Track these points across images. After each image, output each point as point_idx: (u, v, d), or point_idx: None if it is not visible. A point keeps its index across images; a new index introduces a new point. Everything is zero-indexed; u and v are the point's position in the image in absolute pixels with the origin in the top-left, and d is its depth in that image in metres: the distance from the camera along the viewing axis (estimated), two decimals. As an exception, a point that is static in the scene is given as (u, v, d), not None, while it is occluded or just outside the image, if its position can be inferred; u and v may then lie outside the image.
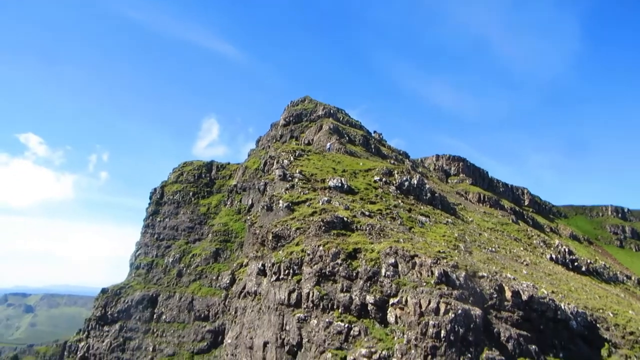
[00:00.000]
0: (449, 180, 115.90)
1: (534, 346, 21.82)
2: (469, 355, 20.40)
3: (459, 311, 21.85)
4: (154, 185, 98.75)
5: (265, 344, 27.26)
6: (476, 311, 22.47)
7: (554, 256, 57.77)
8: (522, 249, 54.51)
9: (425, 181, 58.94)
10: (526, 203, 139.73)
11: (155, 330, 72.78)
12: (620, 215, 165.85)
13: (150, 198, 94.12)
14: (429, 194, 52.47)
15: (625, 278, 74.55)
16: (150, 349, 70.43)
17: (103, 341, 74.73)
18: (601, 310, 29.55)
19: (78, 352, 75.95)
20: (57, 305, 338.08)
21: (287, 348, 25.48)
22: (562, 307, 25.22)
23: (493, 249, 43.13)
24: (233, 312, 37.03)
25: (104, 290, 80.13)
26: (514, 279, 26.72)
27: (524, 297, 24.30)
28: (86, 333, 77.63)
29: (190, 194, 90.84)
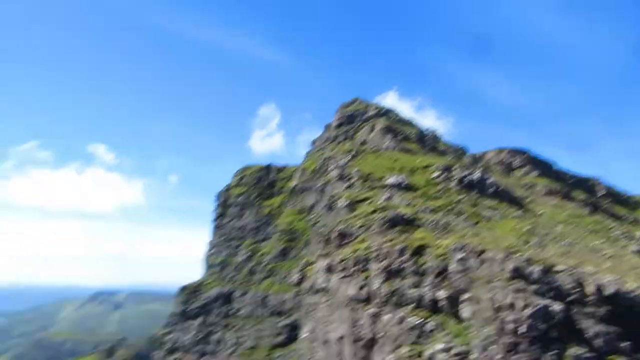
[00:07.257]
0: (513, 174, 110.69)
1: (626, 343, 20.54)
2: (553, 352, 19.61)
3: (538, 306, 21.05)
4: (216, 184, 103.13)
5: (340, 339, 27.76)
6: (556, 306, 21.52)
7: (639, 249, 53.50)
8: (601, 241, 51.02)
9: (488, 175, 56.84)
10: (600, 194, 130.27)
11: (234, 324, 75.90)
12: None
13: (217, 201, 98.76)
14: (492, 188, 50.55)
15: None
16: (232, 342, 73.56)
17: (187, 334, 79.21)
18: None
19: (166, 345, 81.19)
20: (143, 302, 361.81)
21: (361, 343, 25.78)
22: (653, 302, 23.45)
23: (569, 243, 40.81)
24: (305, 308, 37.94)
25: (183, 288, 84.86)
26: (595, 272, 25.24)
27: (609, 292, 22.91)
28: (171, 327, 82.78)
29: (252, 196, 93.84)
